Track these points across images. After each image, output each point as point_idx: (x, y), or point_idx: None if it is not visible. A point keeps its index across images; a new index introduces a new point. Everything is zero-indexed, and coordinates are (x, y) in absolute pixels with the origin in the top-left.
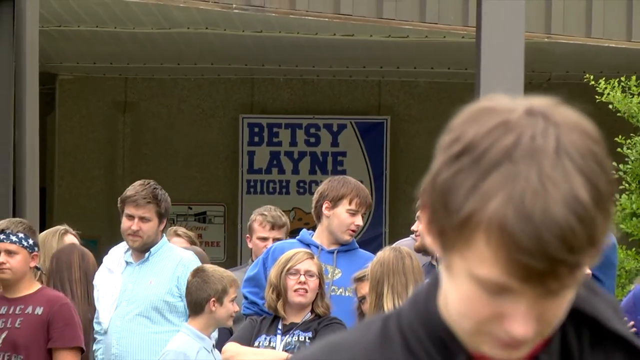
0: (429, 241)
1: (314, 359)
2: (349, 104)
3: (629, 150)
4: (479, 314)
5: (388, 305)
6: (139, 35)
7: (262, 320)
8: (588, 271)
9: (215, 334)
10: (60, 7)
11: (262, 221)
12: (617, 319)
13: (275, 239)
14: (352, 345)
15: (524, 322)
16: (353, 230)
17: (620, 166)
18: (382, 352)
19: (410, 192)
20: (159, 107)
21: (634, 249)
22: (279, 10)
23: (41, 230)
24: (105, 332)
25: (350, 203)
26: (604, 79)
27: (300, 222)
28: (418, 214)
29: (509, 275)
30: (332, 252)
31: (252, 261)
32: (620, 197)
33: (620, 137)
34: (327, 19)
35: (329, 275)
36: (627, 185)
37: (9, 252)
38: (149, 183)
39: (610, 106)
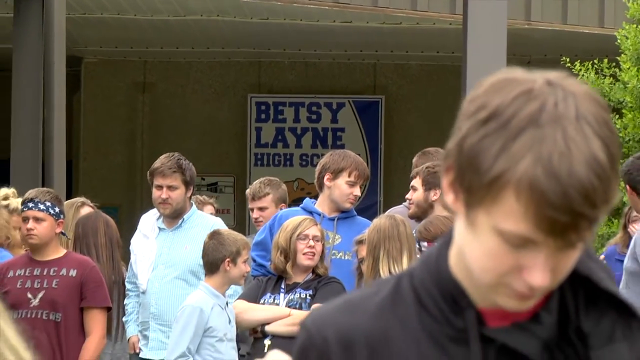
0: (450, 200)
1: (332, 316)
2: (347, 85)
3: None
4: (501, 266)
5: (383, 268)
6: (157, 22)
7: (267, 281)
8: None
9: (238, 289)
10: None
11: (247, 194)
12: (609, 281)
13: (259, 209)
14: (366, 302)
15: (542, 272)
16: (352, 200)
17: None
18: (395, 308)
19: (402, 165)
20: (175, 87)
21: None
22: None
23: (67, 199)
24: (144, 292)
25: (349, 175)
26: (579, 61)
27: (303, 192)
28: (412, 183)
29: (536, 228)
30: (332, 219)
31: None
32: None
33: None
34: (327, 7)
35: (330, 241)
36: None
37: (37, 219)
38: (173, 155)
39: None
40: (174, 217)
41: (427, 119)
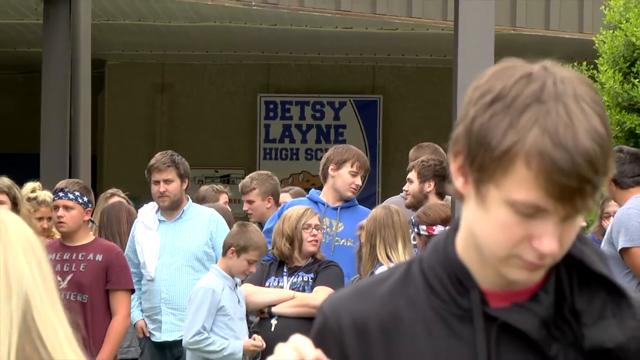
0: (460, 184)
1: (346, 302)
2: (348, 85)
3: None
4: (512, 237)
5: (380, 253)
6: (174, 28)
7: (270, 265)
8: (583, 223)
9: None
10: (108, 4)
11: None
12: (601, 263)
13: (248, 202)
14: (378, 287)
15: (551, 239)
16: (354, 189)
17: None
18: (406, 290)
19: (399, 158)
20: (191, 87)
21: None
22: (291, 7)
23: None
24: (151, 280)
25: (352, 166)
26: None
27: (308, 183)
28: (408, 176)
29: (547, 195)
30: (336, 208)
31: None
32: None
33: None
34: (330, 14)
35: (333, 228)
36: None
37: (66, 208)
38: (167, 152)
39: None
40: (172, 208)
41: (422, 117)
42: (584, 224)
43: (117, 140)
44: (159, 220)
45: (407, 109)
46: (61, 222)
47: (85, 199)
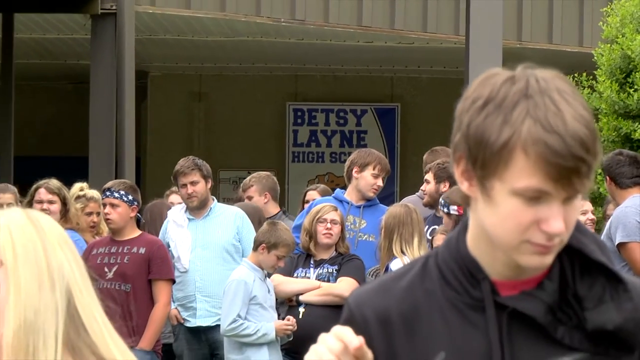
0: (465, 187)
1: (370, 296)
2: (369, 94)
3: None
4: (521, 223)
5: (396, 248)
6: (210, 42)
7: (299, 257)
8: (592, 216)
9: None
10: (150, 20)
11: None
12: (600, 252)
13: (248, 197)
14: (399, 281)
15: (557, 220)
16: (375, 189)
17: None
18: (423, 283)
19: (415, 161)
20: (225, 96)
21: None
22: (316, 23)
23: None
24: (185, 271)
25: (374, 168)
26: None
27: (333, 184)
28: (425, 177)
29: (546, 177)
30: (359, 207)
31: None
32: None
33: None
34: (352, 30)
35: (357, 225)
36: None
37: (113, 205)
38: (188, 157)
39: None
40: (200, 207)
41: (436, 123)
42: (593, 216)
43: (158, 144)
44: (188, 218)
45: (422, 116)
46: (108, 219)
47: (130, 197)
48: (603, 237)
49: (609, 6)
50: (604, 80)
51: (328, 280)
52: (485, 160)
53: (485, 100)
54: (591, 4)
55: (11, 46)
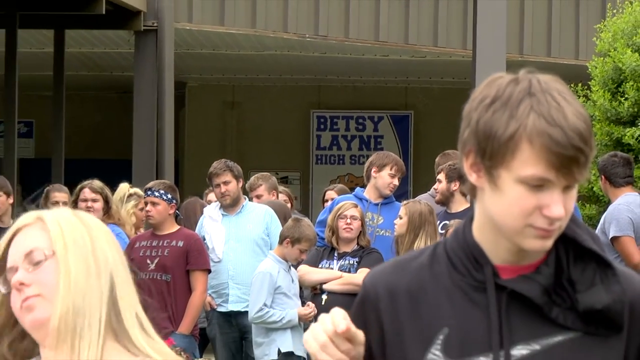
0: (474, 179)
1: (383, 274)
2: (385, 103)
3: None
4: (526, 208)
5: (420, 243)
6: (242, 55)
7: (323, 250)
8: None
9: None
10: (188, 36)
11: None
12: (592, 241)
13: (257, 196)
14: (411, 263)
15: (558, 206)
16: (392, 188)
17: None
18: (432, 266)
19: (426, 163)
20: (256, 105)
21: (579, 202)
22: (338, 38)
23: None
24: (219, 261)
25: (391, 169)
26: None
27: (352, 183)
28: (438, 177)
29: (549, 166)
30: (377, 204)
31: None
32: None
33: None
34: (370, 45)
35: (375, 221)
36: None
37: (153, 203)
38: (220, 160)
39: None
40: (233, 205)
41: (446, 129)
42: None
43: (195, 148)
44: (222, 214)
45: (433, 123)
46: (149, 216)
47: (170, 195)
48: (597, 231)
49: (602, 23)
50: (597, 90)
51: (349, 271)
52: (493, 152)
53: (492, 98)
54: (586, 21)
55: (62, 59)
